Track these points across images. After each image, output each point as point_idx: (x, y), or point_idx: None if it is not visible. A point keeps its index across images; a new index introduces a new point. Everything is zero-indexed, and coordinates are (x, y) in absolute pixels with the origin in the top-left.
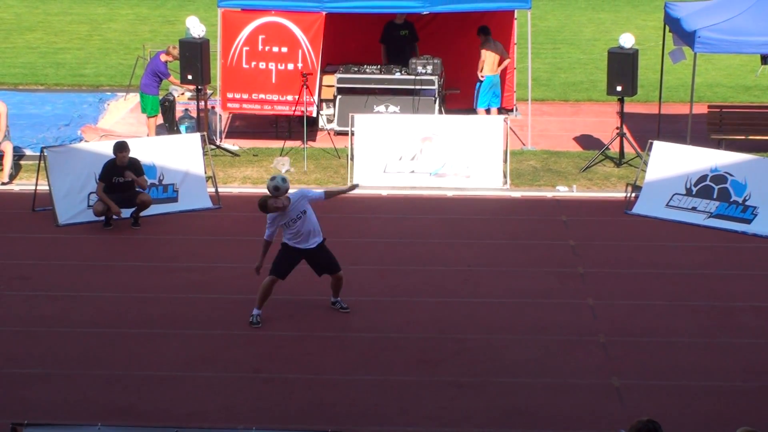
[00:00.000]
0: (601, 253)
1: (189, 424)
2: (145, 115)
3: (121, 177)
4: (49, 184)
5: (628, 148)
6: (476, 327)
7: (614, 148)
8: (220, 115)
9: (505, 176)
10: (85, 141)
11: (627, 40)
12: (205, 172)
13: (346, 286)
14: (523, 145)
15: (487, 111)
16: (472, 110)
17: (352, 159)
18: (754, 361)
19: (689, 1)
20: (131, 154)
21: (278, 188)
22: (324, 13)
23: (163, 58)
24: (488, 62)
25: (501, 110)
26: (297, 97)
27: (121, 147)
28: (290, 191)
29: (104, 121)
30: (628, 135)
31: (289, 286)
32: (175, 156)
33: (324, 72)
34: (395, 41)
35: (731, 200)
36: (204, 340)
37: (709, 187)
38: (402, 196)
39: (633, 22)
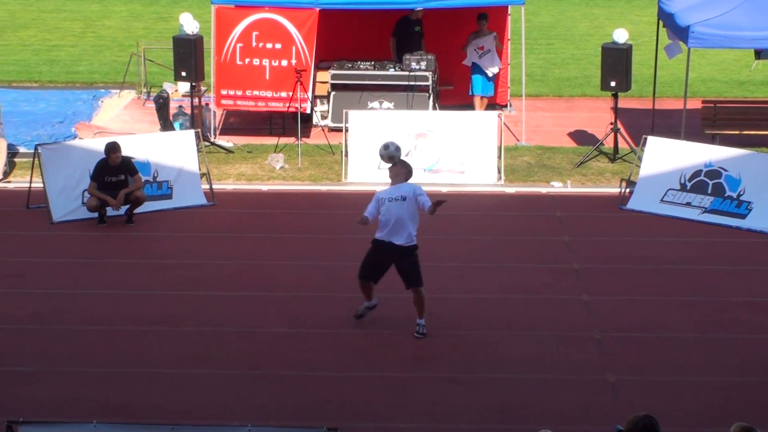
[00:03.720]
0: (596, 248)
1: (184, 422)
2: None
3: (114, 176)
4: (43, 182)
5: (622, 144)
6: (471, 323)
7: (608, 144)
8: (214, 112)
9: (499, 172)
10: (80, 138)
11: (621, 36)
12: (200, 169)
13: (342, 282)
14: (518, 140)
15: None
16: (468, 106)
17: (346, 155)
18: (749, 356)
19: None
20: (125, 152)
21: (393, 157)
22: (317, 9)
23: None
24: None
25: (495, 105)
26: (291, 93)
27: (112, 148)
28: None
29: (98, 118)
30: (622, 130)
31: (285, 281)
32: (169, 153)
33: (318, 68)
34: (408, 37)
35: (725, 195)
36: (198, 338)
37: (704, 182)
38: None
39: (627, 17)
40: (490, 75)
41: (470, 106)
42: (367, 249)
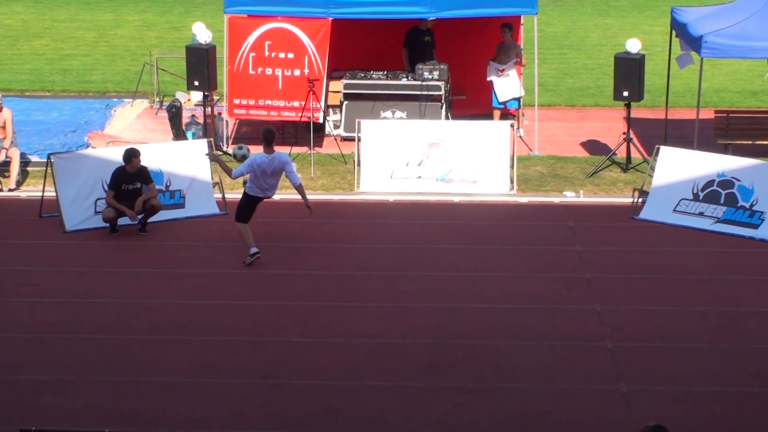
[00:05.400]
0: (608, 258)
1: (196, 431)
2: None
3: (131, 184)
4: (56, 191)
5: (634, 154)
6: (483, 333)
7: (621, 154)
8: (226, 121)
9: (511, 182)
10: (92, 147)
11: (633, 46)
12: (212, 178)
13: (353, 291)
14: (530, 150)
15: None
16: (479, 116)
17: (358, 165)
18: (761, 366)
19: (696, 6)
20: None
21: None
22: (330, 18)
23: None
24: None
25: (508, 115)
26: (303, 103)
27: (133, 153)
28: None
29: (111, 127)
30: (634, 140)
31: (297, 291)
32: (182, 162)
33: (330, 78)
34: (419, 46)
35: (738, 205)
36: (210, 347)
37: (716, 192)
38: (409, 201)
39: (639, 27)
40: (500, 100)
41: (484, 117)
42: (382, 259)
